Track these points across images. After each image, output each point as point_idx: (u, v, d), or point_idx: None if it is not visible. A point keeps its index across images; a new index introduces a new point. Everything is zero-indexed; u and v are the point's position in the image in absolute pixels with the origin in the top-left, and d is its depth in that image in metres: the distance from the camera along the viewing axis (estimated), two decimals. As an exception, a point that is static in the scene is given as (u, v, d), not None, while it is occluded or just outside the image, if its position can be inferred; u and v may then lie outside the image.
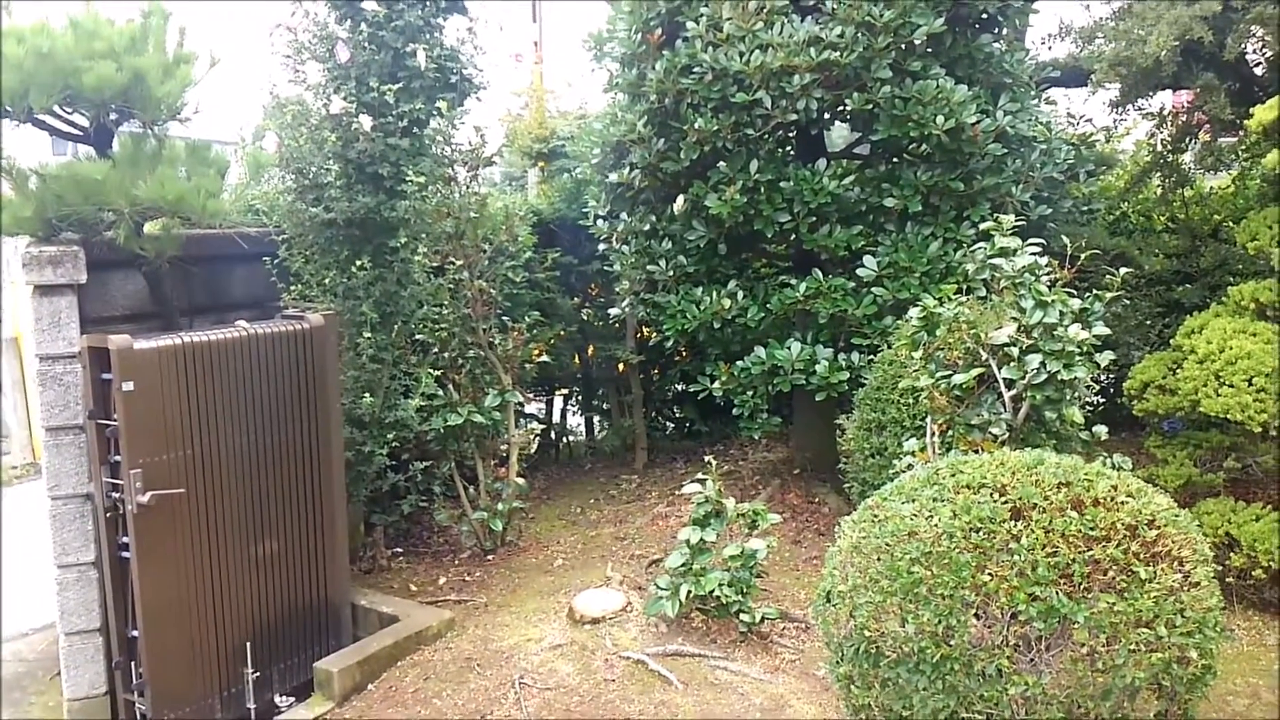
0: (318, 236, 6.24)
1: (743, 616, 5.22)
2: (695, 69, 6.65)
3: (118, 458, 4.87)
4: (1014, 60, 7.03)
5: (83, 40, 4.92)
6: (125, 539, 4.93)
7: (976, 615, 3.38)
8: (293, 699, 5.35)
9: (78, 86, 4.90)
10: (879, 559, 3.63)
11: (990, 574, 3.38)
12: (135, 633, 5.00)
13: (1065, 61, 8.12)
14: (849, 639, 3.65)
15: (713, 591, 5.20)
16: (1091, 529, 3.42)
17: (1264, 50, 7.25)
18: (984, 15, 7.09)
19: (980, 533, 3.47)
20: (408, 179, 6.24)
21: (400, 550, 7.03)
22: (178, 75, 5.18)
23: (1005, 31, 7.31)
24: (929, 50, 6.73)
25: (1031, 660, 3.31)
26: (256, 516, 5.41)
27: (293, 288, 6.33)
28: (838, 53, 6.34)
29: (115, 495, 4.93)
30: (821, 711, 4.61)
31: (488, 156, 6.68)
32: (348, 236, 6.30)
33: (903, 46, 6.49)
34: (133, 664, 5.07)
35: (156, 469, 4.89)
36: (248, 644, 5.32)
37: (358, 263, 6.31)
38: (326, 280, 6.33)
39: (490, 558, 6.81)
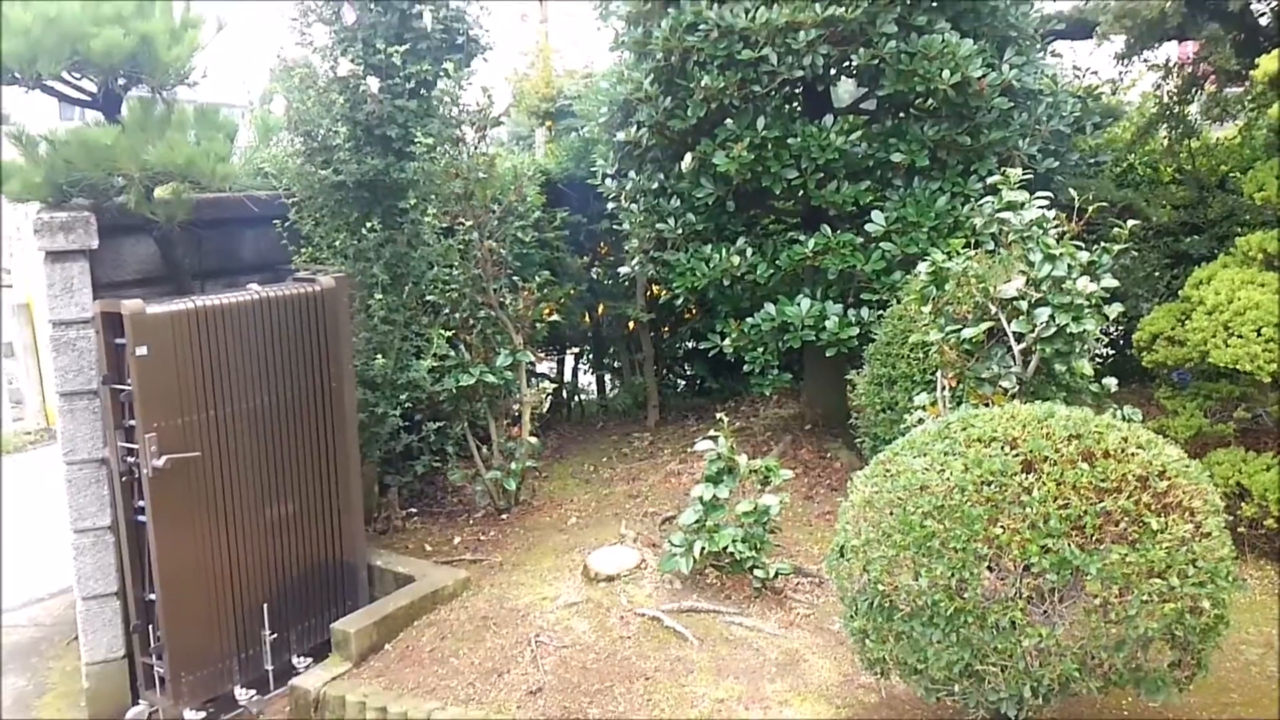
0: (327, 199, 6.25)
1: (756, 572, 5.29)
2: (701, 26, 6.59)
3: (132, 422, 4.93)
4: (1019, 13, 6.99)
5: (90, 5, 4.90)
6: (141, 503, 5.00)
7: (989, 568, 3.43)
8: (310, 660, 5.44)
9: (85, 52, 4.89)
10: (891, 513, 3.67)
11: (1002, 527, 3.42)
12: (152, 596, 5.08)
13: (1070, 14, 8.06)
14: (863, 593, 3.71)
15: (726, 548, 5.26)
16: (1102, 481, 3.45)
17: (1268, 0, 7.17)
18: (989, -31, 7.02)
19: (992, 486, 3.51)
20: (416, 140, 6.22)
21: (415, 511, 7.11)
22: (185, 40, 5.16)
23: (1010, -16, 7.24)
24: (934, 4, 6.67)
25: (1045, 612, 3.36)
26: (272, 479, 5.47)
27: (303, 250, 6.34)
28: (843, 8, 6.28)
29: (130, 459, 4.99)
30: (836, 666, 4.69)
31: (495, 117, 6.65)
32: (357, 198, 6.31)
33: (908, 1, 6.44)
34: (150, 627, 5.16)
35: (171, 433, 4.94)
36: (265, 606, 5.41)
37: (368, 224, 6.31)
38: (337, 242, 6.34)
39: (504, 517, 6.89)
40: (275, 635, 5.43)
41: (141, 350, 4.81)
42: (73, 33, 4.85)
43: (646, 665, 4.78)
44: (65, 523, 5.43)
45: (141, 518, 5.02)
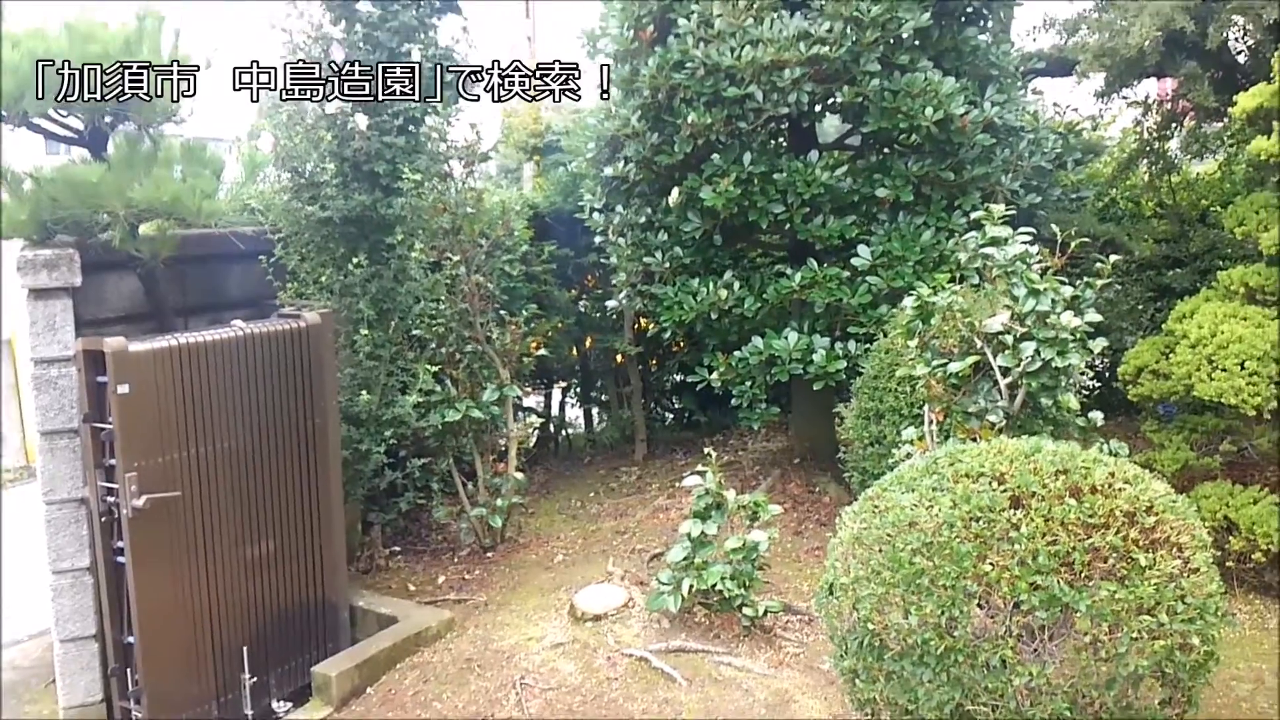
0: (314, 234, 6.25)
1: (745, 610, 5.24)
2: (687, 64, 6.67)
3: (113, 461, 4.86)
4: (1000, 52, 7.11)
5: (78, 44, 4.90)
6: (120, 543, 4.92)
7: (979, 605, 3.41)
8: (290, 704, 5.33)
9: (73, 90, 4.89)
10: (880, 550, 3.65)
11: (991, 563, 3.40)
12: (131, 639, 4.98)
13: (1050, 52, 8.19)
14: (853, 632, 3.68)
15: (715, 585, 5.21)
16: (1090, 516, 3.45)
17: (1245, 39, 7.31)
18: (969, 9, 7.18)
19: (980, 522, 3.50)
20: (404, 176, 6.25)
21: (398, 549, 7.03)
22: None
23: (990, 24, 7.41)
24: (916, 44, 6.79)
25: (1035, 650, 3.33)
26: (253, 518, 5.39)
27: (289, 286, 6.32)
28: (827, 47, 6.37)
29: (110, 499, 4.91)
30: (827, 707, 4.62)
31: (483, 152, 6.69)
32: (344, 234, 6.31)
33: (890, 40, 6.54)
34: (128, 671, 5.05)
35: (152, 472, 4.88)
36: (244, 648, 5.30)
37: (354, 260, 6.31)
38: (323, 278, 6.32)
39: (490, 555, 6.82)
40: (255, 679, 5.32)
41: (123, 388, 4.75)
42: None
43: (634, 708, 4.71)
44: (44, 563, 5.35)
45: (121, 559, 4.93)
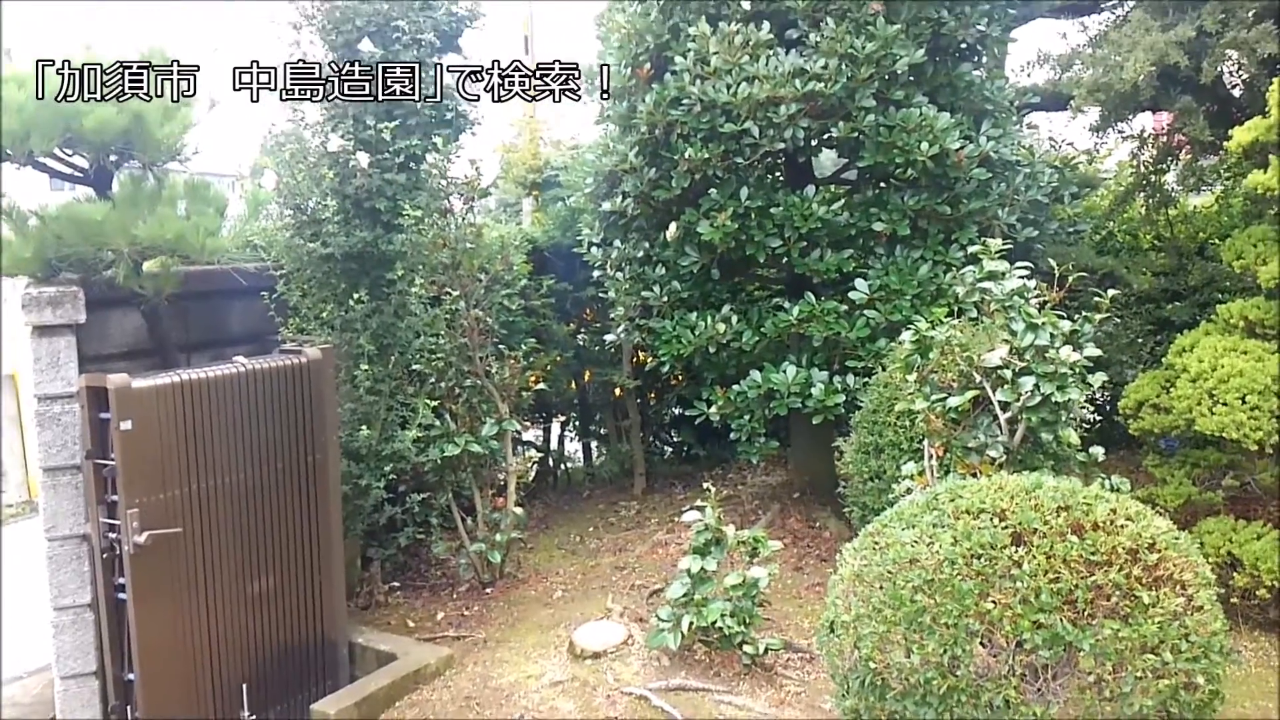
0: (315, 270, 6.29)
1: (746, 648, 5.20)
2: (684, 101, 6.75)
3: (115, 497, 4.85)
4: (994, 87, 7.17)
5: (83, 83, 4.95)
6: (122, 580, 4.90)
7: (982, 644, 3.39)
8: (289, 742, 5.31)
9: (78, 129, 4.94)
10: (881, 587, 3.64)
11: (994, 601, 3.39)
12: (131, 676, 4.96)
13: (1045, 87, 8.26)
14: (854, 670, 3.65)
15: (715, 622, 5.17)
16: (1093, 554, 3.44)
17: (1240, 73, 7.37)
18: (963, 45, 7.25)
19: (982, 559, 3.49)
20: (404, 213, 6.30)
21: (397, 584, 6.99)
22: (177, 117, 5.22)
23: (985, 60, 7.50)
24: (911, 79, 6.86)
25: (1039, 690, 3.32)
26: (253, 554, 5.38)
27: (291, 322, 6.35)
28: (822, 83, 6.45)
29: (112, 535, 4.91)
30: (828, 744, 4.59)
31: (483, 188, 6.73)
32: (345, 270, 6.35)
33: (885, 76, 6.61)
34: (129, 708, 5.02)
35: (154, 508, 4.87)
36: (244, 685, 5.27)
37: (355, 295, 6.34)
38: (324, 314, 6.36)
39: (489, 590, 6.78)
40: (254, 716, 5.29)
41: (126, 425, 4.76)
42: (66, 110, 4.90)
43: (634, 746, 4.67)
44: (45, 599, 5.33)
45: (122, 595, 4.92)
